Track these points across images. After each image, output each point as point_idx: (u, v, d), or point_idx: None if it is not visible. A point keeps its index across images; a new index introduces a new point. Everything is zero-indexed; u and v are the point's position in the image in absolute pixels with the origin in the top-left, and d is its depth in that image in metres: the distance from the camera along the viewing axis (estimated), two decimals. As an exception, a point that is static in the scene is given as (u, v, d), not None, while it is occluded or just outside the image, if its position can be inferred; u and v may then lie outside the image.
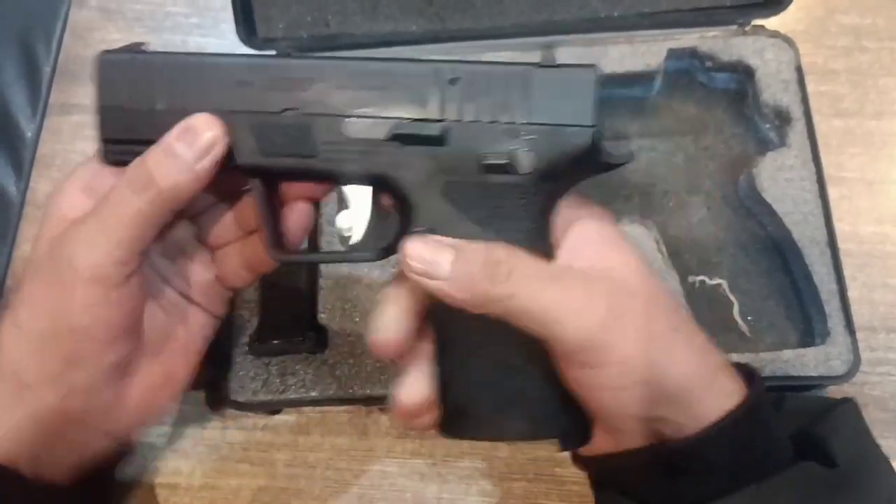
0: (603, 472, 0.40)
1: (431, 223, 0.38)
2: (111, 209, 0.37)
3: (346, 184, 0.41)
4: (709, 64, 0.62)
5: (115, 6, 0.74)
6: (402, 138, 0.38)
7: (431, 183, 0.38)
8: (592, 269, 0.37)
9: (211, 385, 0.60)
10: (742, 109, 0.63)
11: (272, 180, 0.42)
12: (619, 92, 0.64)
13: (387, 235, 0.41)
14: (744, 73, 0.62)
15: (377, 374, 0.55)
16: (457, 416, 0.39)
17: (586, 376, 0.35)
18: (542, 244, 0.38)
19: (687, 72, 0.64)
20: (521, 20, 0.63)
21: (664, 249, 0.57)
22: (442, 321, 0.39)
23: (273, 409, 0.59)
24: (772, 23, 0.62)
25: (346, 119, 0.39)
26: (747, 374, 0.39)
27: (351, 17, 0.64)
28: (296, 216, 0.43)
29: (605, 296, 0.35)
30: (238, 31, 0.62)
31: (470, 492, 0.57)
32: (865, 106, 0.66)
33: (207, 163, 0.38)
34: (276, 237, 0.42)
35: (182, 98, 0.39)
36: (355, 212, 0.41)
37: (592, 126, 0.38)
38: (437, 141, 0.38)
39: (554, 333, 0.34)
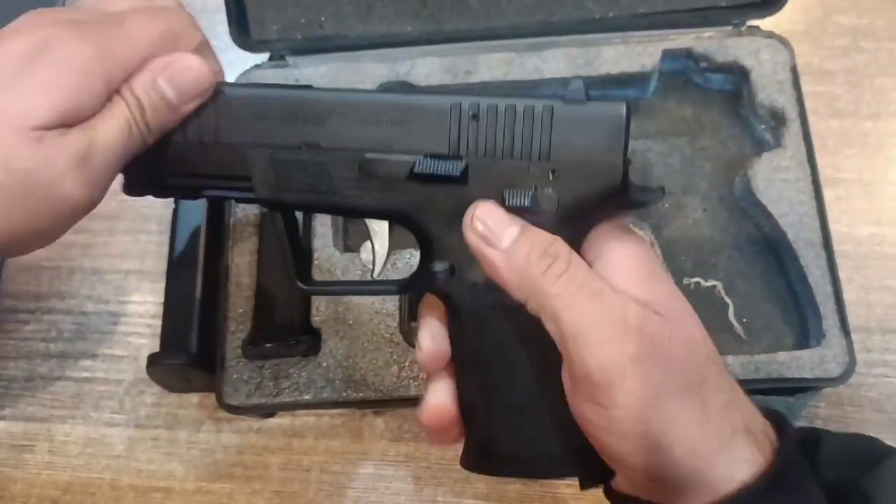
0: None
1: (452, 260, 0.38)
2: None
3: (366, 217, 0.40)
4: (704, 65, 0.62)
5: (109, 8, 0.74)
6: (422, 177, 0.37)
7: (452, 220, 0.37)
8: (631, 298, 0.35)
9: (205, 389, 0.60)
10: (738, 110, 0.63)
11: (293, 211, 0.42)
12: (614, 93, 0.64)
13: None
14: (739, 74, 0.62)
15: (371, 377, 0.55)
16: (478, 453, 0.39)
17: (588, 410, 0.34)
18: None
19: (682, 73, 0.64)
20: (517, 21, 0.63)
21: (659, 251, 0.57)
22: (465, 357, 0.39)
23: (267, 412, 0.59)
24: (770, 23, 0.62)
25: (366, 156, 0.38)
26: (777, 424, 0.36)
27: (346, 18, 0.64)
28: None
29: (635, 335, 0.33)
30: (232, 33, 0.62)
31: (464, 494, 0.57)
32: (861, 107, 0.66)
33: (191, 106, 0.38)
34: (301, 268, 0.42)
35: (198, 130, 0.38)
36: (377, 244, 0.41)
37: (621, 164, 0.36)
38: (458, 180, 0.37)
39: (574, 352, 0.33)
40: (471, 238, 0.36)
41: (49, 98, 0.35)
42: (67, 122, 0.35)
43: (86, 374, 0.63)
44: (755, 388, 0.55)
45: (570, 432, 0.36)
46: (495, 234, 0.35)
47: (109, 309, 0.65)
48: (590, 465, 0.37)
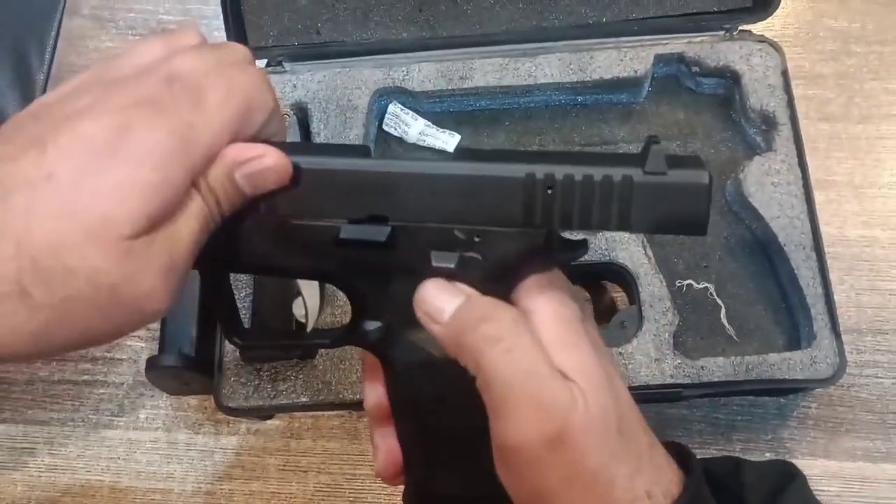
0: None
1: (384, 319, 0.38)
2: None
3: (296, 278, 0.41)
4: (696, 69, 0.63)
5: (108, 14, 0.75)
6: (348, 242, 0.36)
7: (383, 281, 0.37)
8: (559, 374, 0.34)
9: (203, 391, 0.60)
10: (729, 114, 0.64)
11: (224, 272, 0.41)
12: (607, 98, 0.65)
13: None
14: (730, 79, 0.62)
15: (367, 379, 0.56)
16: (417, 495, 0.40)
17: (504, 474, 0.35)
18: None
19: (674, 77, 0.65)
20: (511, 27, 0.64)
21: (651, 254, 0.57)
22: (401, 408, 0.39)
23: (265, 414, 0.60)
24: (761, 27, 0.62)
25: (292, 222, 0.36)
26: (685, 468, 0.36)
27: (342, 25, 0.65)
28: None
29: (559, 423, 0.33)
30: (228, 40, 0.63)
31: (460, 495, 0.58)
32: (852, 110, 0.66)
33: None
34: (233, 325, 0.41)
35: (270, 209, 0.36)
36: (308, 300, 0.41)
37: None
38: (384, 245, 0.36)
39: (497, 424, 0.34)
40: (420, 317, 0.36)
41: (135, 201, 0.30)
42: (155, 226, 0.31)
43: (85, 377, 0.64)
44: (747, 390, 0.56)
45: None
46: (437, 309, 0.36)
47: (109, 312, 0.66)
48: None
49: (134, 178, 0.30)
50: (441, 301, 0.36)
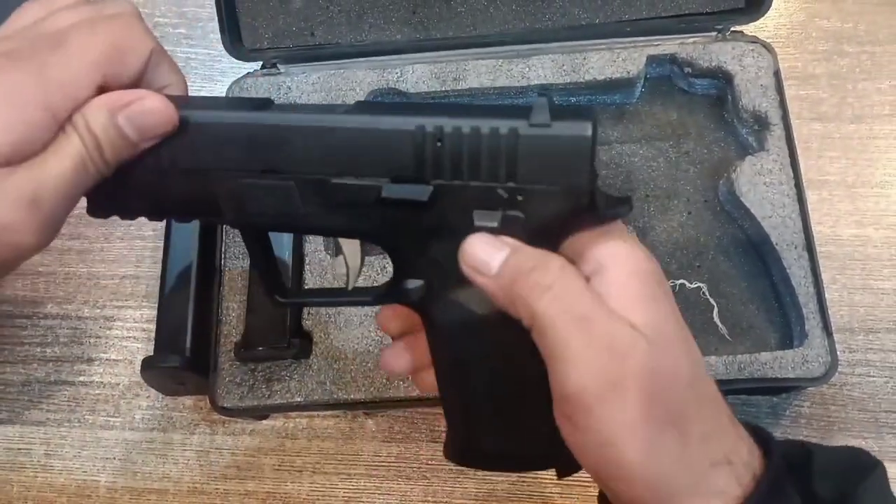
0: None
1: (426, 277, 0.38)
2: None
3: (337, 237, 0.41)
4: (688, 70, 0.63)
5: (104, 17, 0.75)
6: (390, 202, 0.37)
7: (424, 241, 0.37)
8: (622, 321, 0.34)
9: (199, 391, 0.61)
10: (722, 115, 0.64)
11: (264, 231, 0.41)
12: (600, 99, 0.65)
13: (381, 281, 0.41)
14: (723, 79, 0.63)
15: (361, 379, 0.56)
16: (461, 447, 0.40)
17: (566, 428, 0.34)
18: None
19: (667, 78, 0.65)
20: (504, 28, 0.64)
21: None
22: (444, 367, 0.39)
23: (260, 414, 0.60)
24: (753, 28, 0.63)
25: (332, 181, 0.37)
26: (765, 447, 0.36)
27: (336, 27, 0.65)
28: None
29: (619, 363, 0.33)
30: (224, 42, 0.63)
31: (454, 494, 0.58)
32: (845, 110, 0.67)
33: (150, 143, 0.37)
34: (275, 283, 0.42)
35: (157, 158, 0.37)
36: (349, 259, 0.41)
37: (587, 185, 0.35)
38: (426, 204, 0.36)
39: (555, 372, 0.33)
40: (465, 271, 0.36)
41: None
42: (11, 161, 0.33)
43: (82, 378, 0.64)
44: (739, 388, 0.56)
45: (549, 430, 0.37)
46: (484, 262, 0.35)
47: (105, 314, 0.66)
48: (567, 459, 0.38)
49: None
50: (487, 254, 0.36)
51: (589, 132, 0.35)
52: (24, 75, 0.33)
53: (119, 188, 0.38)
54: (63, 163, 0.34)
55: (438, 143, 0.36)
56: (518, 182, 0.36)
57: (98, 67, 0.35)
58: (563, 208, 0.35)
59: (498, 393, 0.38)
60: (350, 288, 0.41)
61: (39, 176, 0.34)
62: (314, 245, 0.59)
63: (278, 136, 0.37)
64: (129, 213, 0.40)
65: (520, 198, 0.36)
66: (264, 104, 0.39)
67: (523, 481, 0.57)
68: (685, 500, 0.33)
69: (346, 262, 0.41)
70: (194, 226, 0.62)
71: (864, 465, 0.38)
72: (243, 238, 0.41)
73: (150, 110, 0.35)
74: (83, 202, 0.38)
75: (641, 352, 0.33)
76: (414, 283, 0.38)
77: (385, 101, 0.64)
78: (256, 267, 0.41)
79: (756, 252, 0.60)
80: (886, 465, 0.40)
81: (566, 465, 0.38)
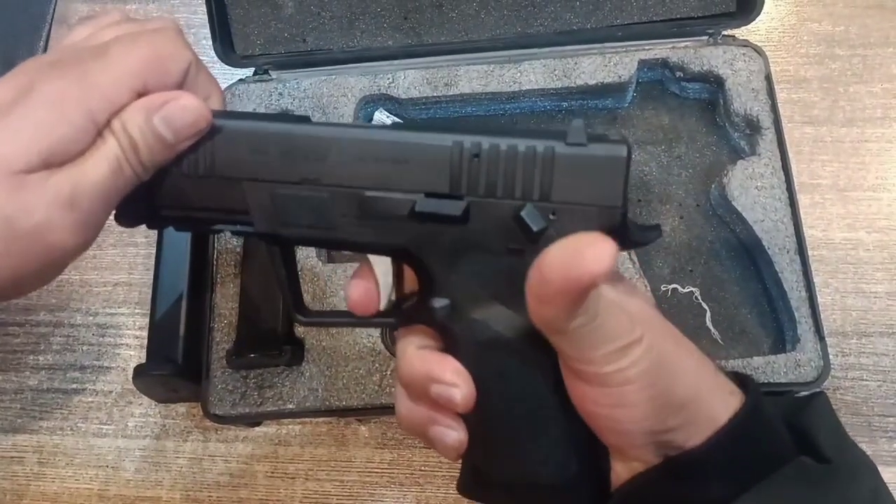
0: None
1: (452, 297, 0.38)
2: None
3: (365, 253, 0.40)
4: (680, 74, 0.63)
5: (97, 24, 0.75)
6: (423, 216, 0.37)
7: (453, 258, 0.37)
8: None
9: (191, 399, 0.60)
10: (714, 119, 0.64)
11: (290, 245, 0.41)
12: (592, 103, 0.65)
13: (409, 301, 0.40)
14: (714, 83, 0.63)
15: (353, 385, 0.56)
16: (474, 479, 0.39)
17: (598, 393, 0.35)
18: None
19: (659, 82, 0.65)
20: (496, 33, 0.64)
21: (635, 258, 0.58)
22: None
23: (252, 421, 0.60)
24: (746, 32, 0.63)
25: (366, 193, 0.37)
26: (739, 377, 0.39)
27: (328, 33, 0.65)
28: None
29: (632, 330, 0.34)
30: (216, 49, 0.63)
31: (447, 500, 0.58)
32: (836, 113, 0.67)
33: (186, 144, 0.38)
34: (298, 300, 0.42)
35: (194, 163, 0.38)
36: (379, 277, 0.40)
37: (621, 207, 0.36)
38: (459, 219, 0.37)
39: (588, 357, 0.34)
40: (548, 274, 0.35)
41: (27, 139, 0.34)
42: (51, 163, 0.34)
43: (74, 386, 0.64)
44: (732, 393, 0.56)
45: (565, 460, 0.37)
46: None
47: (98, 321, 0.66)
48: (584, 493, 0.38)
49: (28, 120, 0.34)
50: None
51: (624, 153, 0.36)
52: (66, 81, 0.35)
53: (153, 194, 0.38)
54: (100, 165, 0.35)
55: (475, 159, 0.37)
56: (552, 200, 0.36)
57: (138, 75, 0.36)
58: (594, 228, 0.35)
59: (516, 416, 0.38)
60: (381, 308, 0.41)
61: (77, 177, 0.35)
62: (306, 251, 0.59)
63: (317, 146, 0.37)
64: (157, 222, 0.40)
65: (552, 216, 0.36)
66: (303, 119, 0.40)
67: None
68: (711, 404, 0.36)
69: (376, 282, 0.41)
70: (187, 233, 0.62)
71: (805, 399, 0.42)
72: (269, 253, 0.40)
73: (184, 107, 0.37)
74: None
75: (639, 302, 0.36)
76: (440, 302, 0.38)
77: (418, 121, 0.65)
78: (281, 284, 0.41)
79: (748, 256, 0.60)
80: (881, 468, 0.40)
81: (585, 499, 0.38)
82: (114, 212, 0.39)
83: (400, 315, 0.41)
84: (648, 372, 0.34)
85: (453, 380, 0.37)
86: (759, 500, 0.36)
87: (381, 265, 0.40)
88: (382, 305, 0.41)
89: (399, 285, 0.41)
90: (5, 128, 0.34)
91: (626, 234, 0.37)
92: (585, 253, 0.31)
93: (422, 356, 0.38)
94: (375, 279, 0.40)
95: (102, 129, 0.36)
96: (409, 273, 0.42)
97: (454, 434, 0.38)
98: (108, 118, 0.36)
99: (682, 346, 0.37)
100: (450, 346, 0.39)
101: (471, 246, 0.37)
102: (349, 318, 0.44)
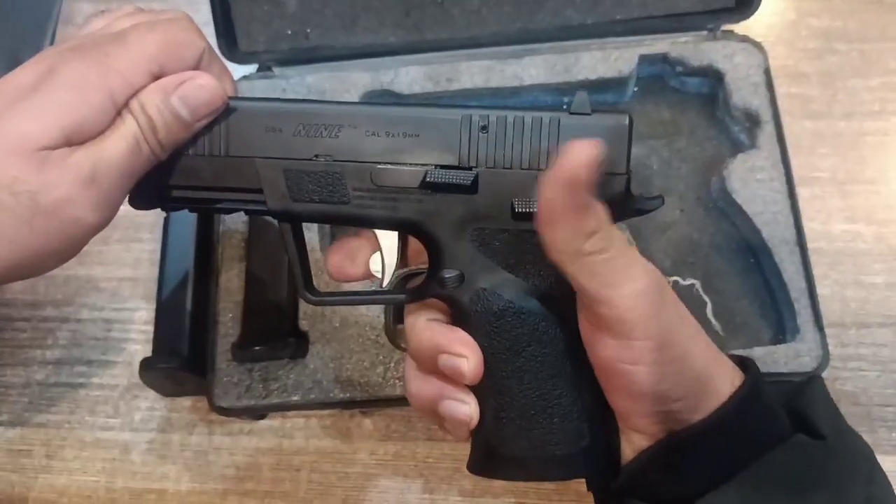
0: (622, 482, 0.40)
1: (461, 267, 0.39)
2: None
3: (375, 228, 0.41)
4: (680, 69, 0.64)
5: (101, 22, 0.75)
6: (434, 186, 0.38)
7: (462, 229, 0.39)
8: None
9: (197, 392, 0.61)
10: (714, 113, 0.65)
11: (301, 223, 0.42)
12: (593, 98, 0.64)
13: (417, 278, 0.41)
14: (714, 78, 0.63)
15: (357, 377, 0.57)
16: (485, 457, 0.40)
17: (617, 347, 0.36)
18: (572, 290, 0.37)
19: (659, 77, 0.66)
20: (497, 29, 0.65)
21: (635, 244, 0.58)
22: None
23: (257, 413, 0.60)
24: (744, 27, 0.63)
25: (378, 167, 0.39)
26: (740, 359, 0.41)
27: (330, 30, 0.66)
28: None
29: (647, 276, 0.36)
30: (219, 45, 0.64)
31: (451, 492, 0.59)
32: (835, 107, 0.67)
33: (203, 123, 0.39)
34: (308, 279, 0.43)
35: (208, 143, 0.39)
36: (386, 256, 0.42)
37: (625, 173, 0.38)
38: (469, 189, 0.38)
39: (607, 296, 0.35)
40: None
41: (50, 117, 0.35)
42: (73, 141, 0.36)
43: (81, 380, 0.65)
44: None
45: (576, 434, 0.38)
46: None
47: (104, 316, 0.66)
48: (596, 465, 0.38)
49: (50, 99, 0.35)
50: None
51: (626, 121, 0.38)
52: (86, 64, 0.37)
53: (167, 175, 0.40)
54: (119, 143, 0.37)
55: (483, 131, 0.38)
56: None
57: (155, 59, 0.38)
58: (599, 194, 0.36)
59: (527, 387, 0.38)
60: (385, 286, 0.42)
61: (97, 155, 0.36)
62: (309, 245, 0.60)
63: (329, 122, 0.39)
64: (171, 203, 0.41)
65: None
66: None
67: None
68: (717, 379, 0.37)
69: (382, 259, 0.42)
70: (191, 228, 0.63)
71: (802, 383, 0.44)
72: (281, 230, 0.42)
73: (201, 86, 0.38)
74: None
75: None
76: (450, 273, 0.39)
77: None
78: (293, 262, 0.42)
79: (748, 248, 0.60)
80: (881, 458, 0.41)
81: (596, 474, 0.39)
82: (128, 196, 0.40)
83: (408, 290, 0.42)
84: (669, 331, 0.36)
85: (461, 350, 0.38)
86: (759, 474, 0.37)
87: (388, 240, 0.41)
88: (387, 283, 0.42)
89: (403, 261, 0.42)
90: (28, 107, 0.35)
91: (630, 201, 0.38)
92: (573, 148, 0.33)
93: (431, 328, 0.39)
94: (355, 247, 0.42)
95: (121, 109, 0.37)
96: (412, 251, 0.42)
97: (465, 408, 0.39)
98: (126, 99, 0.37)
99: (693, 322, 0.38)
100: (460, 318, 0.39)
101: (480, 216, 0.38)
102: (358, 297, 0.46)
